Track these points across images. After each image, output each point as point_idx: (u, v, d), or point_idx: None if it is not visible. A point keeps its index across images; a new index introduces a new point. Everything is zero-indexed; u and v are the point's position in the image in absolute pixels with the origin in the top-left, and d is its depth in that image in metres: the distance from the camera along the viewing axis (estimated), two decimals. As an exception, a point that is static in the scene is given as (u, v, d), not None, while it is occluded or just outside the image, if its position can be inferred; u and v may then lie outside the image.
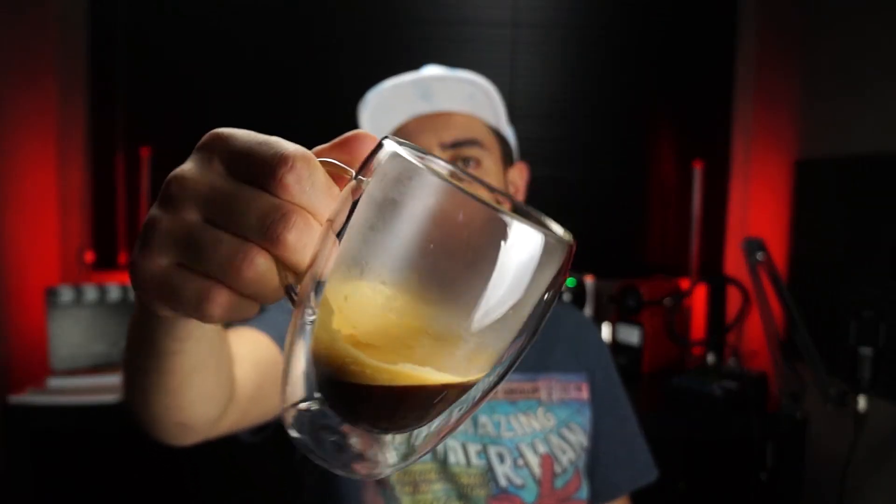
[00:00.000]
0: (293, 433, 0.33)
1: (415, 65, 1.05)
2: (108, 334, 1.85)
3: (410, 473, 0.84)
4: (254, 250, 0.31)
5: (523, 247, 0.29)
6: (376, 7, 2.18)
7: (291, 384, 0.33)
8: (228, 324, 0.60)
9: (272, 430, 0.80)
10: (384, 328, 0.30)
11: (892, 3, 1.58)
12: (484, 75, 1.00)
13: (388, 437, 0.34)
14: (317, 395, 0.34)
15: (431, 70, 1.00)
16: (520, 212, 0.32)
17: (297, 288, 0.33)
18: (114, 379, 1.76)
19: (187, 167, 0.33)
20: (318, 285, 0.31)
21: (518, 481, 0.86)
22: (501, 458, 0.86)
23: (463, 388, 0.33)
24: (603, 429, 0.96)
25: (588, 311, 2.10)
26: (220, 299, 0.32)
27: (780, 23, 2.09)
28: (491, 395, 0.88)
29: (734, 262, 2.19)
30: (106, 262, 2.12)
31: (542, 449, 0.88)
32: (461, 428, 0.86)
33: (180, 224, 0.32)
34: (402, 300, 0.30)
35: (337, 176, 0.34)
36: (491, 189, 0.35)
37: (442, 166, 0.33)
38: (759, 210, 2.13)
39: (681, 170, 2.25)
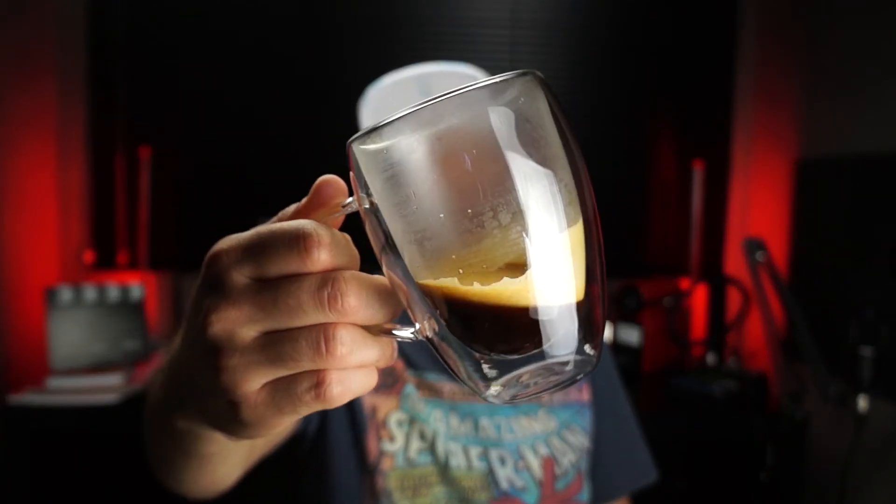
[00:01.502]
0: (505, 400, 0.35)
1: (414, 65, 1.05)
2: (107, 334, 1.85)
3: (410, 478, 0.83)
4: (330, 329, 0.32)
5: (494, 94, 0.31)
6: (376, 7, 2.18)
7: (472, 382, 0.35)
8: None
9: (283, 443, 0.81)
10: (498, 239, 0.32)
11: (892, 3, 1.58)
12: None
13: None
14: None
15: (431, 65, 1.00)
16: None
17: (393, 326, 0.35)
18: (114, 379, 1.76)
19: (214, 299, 0.33)
20: (415, 306, 0.33)
21: (519, 483, 0.86)
22: (503, 461, 0.86)
23: (572, 306, 0.34)
24: (603, 430, 0.96)
25: (588, 311, 2.10)
26: (333, 379, 0.32)
27: (780, 23, 2.09)
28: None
29: (734, 262, 2.19)
30: (106, 262, 2.11)
31: (543, 451, 0.88)
32: (462, 430, 0.86)
33: (250, 351, 0.32)
34: (490, 205, 0.31)
35: (335, 223, 0.36)
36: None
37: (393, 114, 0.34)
38: (759, 210, 2.12)
39: (681, 170, 2.25)
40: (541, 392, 0.35)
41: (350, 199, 0.35)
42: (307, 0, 2.16)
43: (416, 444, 0.85)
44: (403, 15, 2.18)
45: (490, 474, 0.85)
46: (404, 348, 0.90)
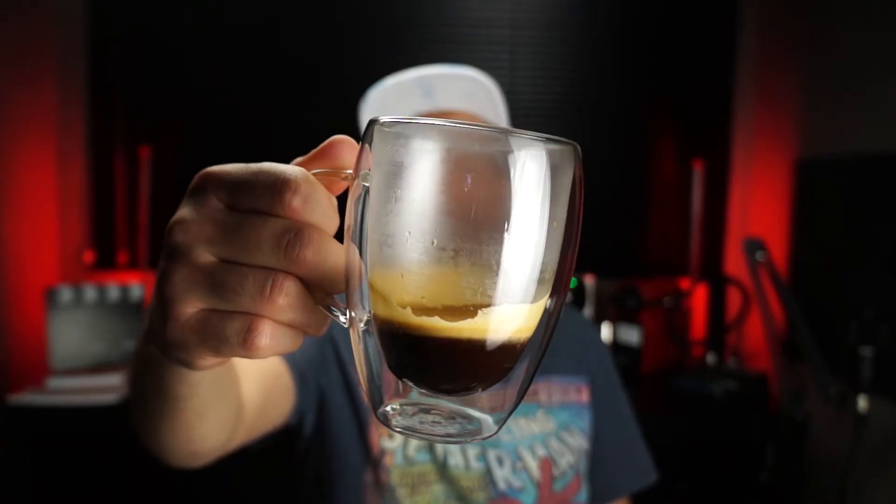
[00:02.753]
0: (397, 428, 0.35)
1: (415, 65, 1.05)
2: (107, 334, 1.85)
3: (410, 475, 0.83)
4: (280, 276, 0.32)
5: (532, 153, 0.31)
6: (377, 7, 2.18)
7: (375, 390, 0.35)
8: None
9: (279, 436, 0.81)
10: (449, 281, 0.31)
11: (893, 4, 1.58)
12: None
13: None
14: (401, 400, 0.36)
15: (434, 67, 1.00)
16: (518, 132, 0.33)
17: (333, 302, 0.34)
18: (114, 379, 1.76)
19: (185, 212, 0.33)
20: (361, 288, 0.33)
21: (517, 484, 0.86)
22: (500, 462, 0.86)
23: (520, 347, 0.34)
24: (603, 431, 0.96)
25: (588, 311, 2.10)
26: (265, 330, 0.32)
27: (781, 22, 2.09)
28: None
29: (734, 262, 2.19)
30: (106, 262, 2.11)
31: (541, 452, 0.88)
32: None
33: (198, 270, 0.32)
34: (454, 246, 0.31)
35: (330, 184, 0.35)
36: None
37: (430, 120, 0.33)
38: (759, 210, 2.12)
39: (681, 170, 2.25)
40: (429, 437, 0.35)
41: (349, 171, 0.35)
42: (308, 0, 2.16)
43: (414, 441, 0.85)
44: (403, 15, 2.18)
45: (488, 474, 0.85)
46: None
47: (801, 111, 1.93)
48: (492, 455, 0.86)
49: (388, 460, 0.83)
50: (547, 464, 0.88)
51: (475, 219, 0.30)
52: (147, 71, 2.13)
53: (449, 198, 0.30)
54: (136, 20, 2.11)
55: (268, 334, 0.32)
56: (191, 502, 1.84)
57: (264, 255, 0.31)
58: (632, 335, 2.01)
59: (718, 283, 2.10)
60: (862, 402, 1.51)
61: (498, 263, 0.31)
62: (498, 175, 0.30)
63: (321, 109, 2.14)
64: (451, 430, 0.35)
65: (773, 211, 2.01)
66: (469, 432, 0.35)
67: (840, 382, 1.62)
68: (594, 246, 2.24)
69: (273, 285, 0.31)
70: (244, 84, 2.17)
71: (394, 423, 0.35)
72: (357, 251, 0.33)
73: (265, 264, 0.32)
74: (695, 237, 2.21)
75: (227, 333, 0.32)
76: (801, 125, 1.93)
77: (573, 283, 2.08)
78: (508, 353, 0.33)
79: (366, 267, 0.33)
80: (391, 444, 0.84)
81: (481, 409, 0.36)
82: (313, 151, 0.36)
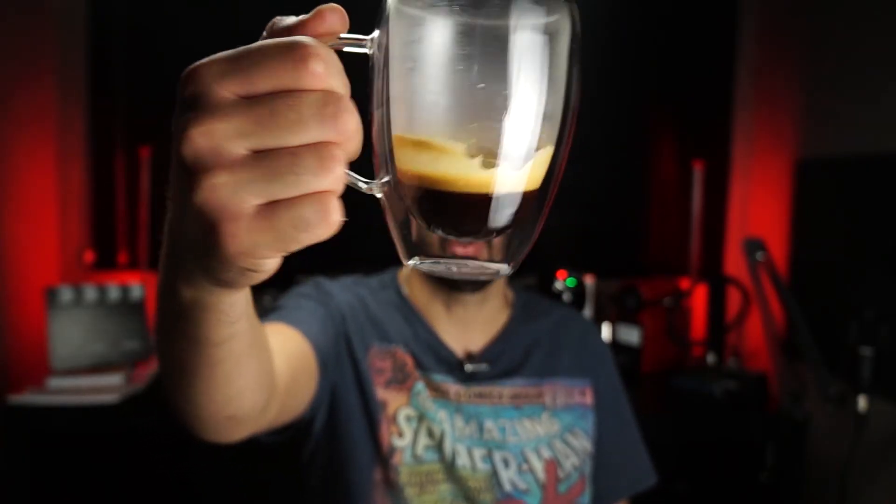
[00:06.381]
0: (421, 267, 0.38)
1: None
2: (107, 334, 1.85)
3: (418, 474, 0.84)
4: (331, 147, 0.29)
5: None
6: (377, 7, 2.18)
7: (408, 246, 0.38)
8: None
9: (293, 431, 0.81)
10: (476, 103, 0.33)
11: (893, 4, 1.58)
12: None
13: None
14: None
15: None
16: None
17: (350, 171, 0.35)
18: (114, 379, 1.76)
19: (195, 115, 0.29)
20: (381, 159, 0.35)
21: (522, 486, 0.86)
22: (506, 463, 0.86)
23: (529, 196, 0.37)
24: (604, 433, 0.96)
25: (588, 311, 2.10)
26: (336, 203, 0.30)
27: (781, 23, 2.09)
28: (497, 399, 0.88)
29: (734, 262, 2.19)
30: (106, 262, 2.11)
31: (546, 454, 0.88)
32: (466, 432, 0.86)
33: (240, 167, 0.29)
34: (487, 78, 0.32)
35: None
36: None
37: None
38: (759, 210, 2.12)
39: (681, 170, 2.25)
40: (447, 273, 0.38)
41: (353, 35, 0.33)
42: (307, 3, 2.16)
43: (423, 440, 0.85)
44: (403, 15, 2.18)
45: (494, 476, 0.85)
46: (412, 349, 0.90)
47: (801, 111, 1.93)
48: (497, 456, 0.86)
49: (397, 459, 0.83)
50: (552, 466, 0.88)
51: (492, 66, 0.32)
52: (147, 71, 2.13)
53: (472, 45, 0.32)
54: (136, 20, 2.11)
55: (338, 208, 0.30)
56: (191, 502, 1.84)
57: (311, 131, 0.29)
58: (632, 335, 2.01)
59: (718, 283, 2.10)
60: (862, 402, 1.52)
61: (514, 104, 0.32)
62: (511, 24, 0.32)
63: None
64: (466, 270, 0.39)
65: (773, 211, 2.01)
66: (484, 272, 0.38)
67: (840, 382, 1.62)
68: (594, 246, 2.25)
69: (331, 157, 0.29)
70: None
71: (420, 265, 0.38)
72: (378, 118, 0.33)
73: (311, 140, 0.29)
74: (695, 237, 2.21)
75: (305, 216, 0.29)
76: (801, 125, 1.93)
77: (573, 282, 2.08)
78: (518, 194, 0.35)
79: (389, 127, 0.33)
80: (401, 443, 0.84)
81: (495, 259, 0.39)
82: (302, 17, 0.33)
